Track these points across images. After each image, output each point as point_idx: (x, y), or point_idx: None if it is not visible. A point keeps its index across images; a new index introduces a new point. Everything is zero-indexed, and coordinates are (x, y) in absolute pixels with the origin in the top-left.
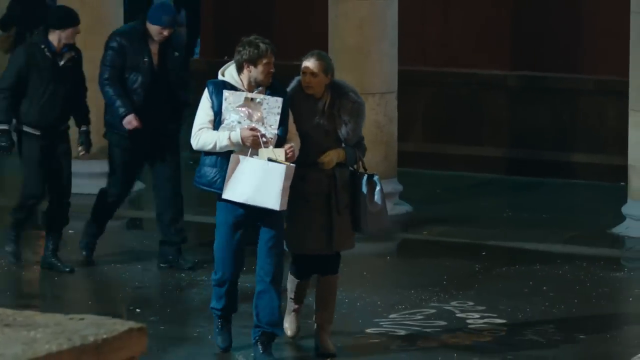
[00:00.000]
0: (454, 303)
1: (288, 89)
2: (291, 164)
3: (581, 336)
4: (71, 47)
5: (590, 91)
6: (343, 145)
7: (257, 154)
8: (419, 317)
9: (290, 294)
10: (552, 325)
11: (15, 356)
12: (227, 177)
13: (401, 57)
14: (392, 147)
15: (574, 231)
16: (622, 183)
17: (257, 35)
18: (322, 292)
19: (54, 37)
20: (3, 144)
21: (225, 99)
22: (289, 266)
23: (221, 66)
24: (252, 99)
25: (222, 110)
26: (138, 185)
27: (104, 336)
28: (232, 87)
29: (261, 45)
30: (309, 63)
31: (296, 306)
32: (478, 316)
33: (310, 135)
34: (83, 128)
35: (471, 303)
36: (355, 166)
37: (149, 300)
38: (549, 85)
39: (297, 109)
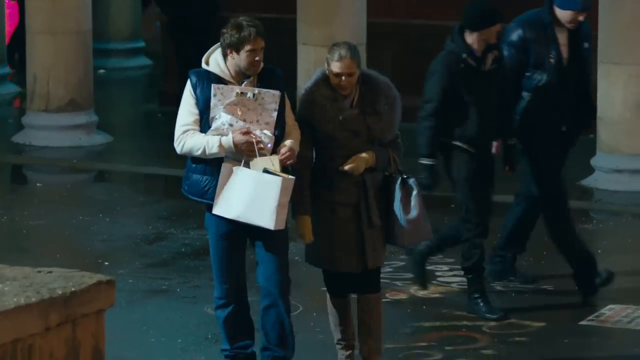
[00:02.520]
0: None
1: (309, 83)
2: (290, 177)
3: (549, 288)
4: (492, 47)
5: None
6: (375, 146)
7: (251, 163)
8: (389, 270)
9: (335, 334)
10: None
11: None
12: (217, 190)
13: (369, 9)
14: None
15: None
16: (591, 135)
17: (248, 17)
18: (364, 314)
19: (474, 40)
20: (425, 181)
21: (214, 95)
22: (326, 285)
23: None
24: (244, 93)
25: (211, 107)
26: (106, 138)
27: (73, 289)
28: (218, 79)
29: (245, 28)
30: (343, 64)
31: (347, 352)
32: (447, 268)
33: (335, 137)
34: (510, 142)
35: (440, 255)
36: (389, 169)
37: (118, 253)
38: None
39: (320, 106)
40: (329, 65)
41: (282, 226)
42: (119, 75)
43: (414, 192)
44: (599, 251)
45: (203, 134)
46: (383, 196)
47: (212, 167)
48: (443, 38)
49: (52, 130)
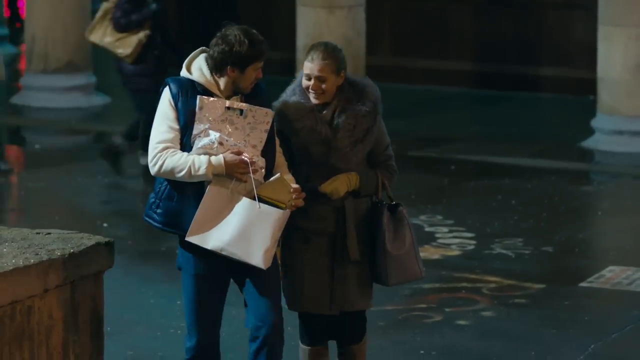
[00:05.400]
0: (422, 217)
1: (286, 90)
2: (287, 209)
3: (549, 250)
4: None
5: (557, 4)
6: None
7: (244, 188)
8: None
9: None
10: (520, 239)
11: None
12: (197, 214)
13: None
14: (360, 61)
15: (542, 145)
16: (592, 97)
17: (246, 27)
18: None
19: None
20: None
21: (200, 108)
22: (299, 331)
23: None
24: (232, 109)
25: (195, 122)
26: (104, 99)
27: (71, 251)
28: (204, 91)
29: (257, 43)
30: (313, 65)
31: None
32: (447, 230)
33: (311, 152)
34: None
35: (440, 217)
36: (376, 195)
37: (116, 215)
38: None
39: (293, 115)
40: (304, 67)
41: (269, 264)
42: None
43: (404, 223)
44: (599, 213)
45: (186, 153)
46: (368, 227)
47: (193, 192)
48: (440, 0)
49: (50, 91)
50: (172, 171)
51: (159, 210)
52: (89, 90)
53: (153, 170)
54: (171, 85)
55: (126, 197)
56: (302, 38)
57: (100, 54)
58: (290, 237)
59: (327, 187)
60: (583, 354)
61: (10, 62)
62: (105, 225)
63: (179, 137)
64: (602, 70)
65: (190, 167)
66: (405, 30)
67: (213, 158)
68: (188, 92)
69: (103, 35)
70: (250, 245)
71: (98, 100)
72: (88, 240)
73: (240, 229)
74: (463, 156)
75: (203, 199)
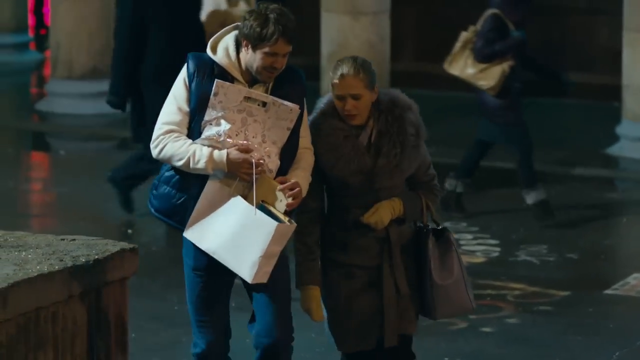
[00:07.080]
0: (446, 224)
1: (315, 112)
2: (288, 223)
3: (574, 257)
4: None
5: (581, 10)
6: (403, 191)
7: (248, 188)
8: None
9: None
10: (545, 245)
11: (6, 277)
12: (196, 208)
13: None
14: (384, 66)
15: (567, 151)
16: (616, 103)
17: (281, 8)
18: None
19: None
20: None
21: (215, 94)
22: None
23: None
24: (252, 99)
25: (208, 109)
26: (129, 106)
27: (96, 257)
28: (223, 73)
29: (270, 24)
30: (345, 82)
31: None
32: (471, 237)
33: (350, 183)
34: None
35: (464, 224)
36: (421, 220)
37: (141, 221)
38: (540, 3)
39: (328, 141)
40: (332, 87)
41: (263, 280)
42: None
43: (451, 250)
44: (624, 220)
45: (190, 141)
46: (413, 255)
47: (194, 182)
48: (465, 6)
49: (75, 97)
50: (171, 158)
51: (156, 192)
52: None
53: (154, 153)
54: (190, 62)
55: None
56: (327, 44)
57: None
58: (330, 274)
59: (371, 217)
60: None
61: (35, 68)
62: (129, 231)
63: (187, 120)
64: (627, 76)
65: (189, 158)
66: (428, 36)
67: (215, 153)
68: (205, 73)
69: (464, 67)
70: (239, 256)
71: None
72: (112, 246)
73: (234, 235)
74: (487, 162)
75: (202, 192)
